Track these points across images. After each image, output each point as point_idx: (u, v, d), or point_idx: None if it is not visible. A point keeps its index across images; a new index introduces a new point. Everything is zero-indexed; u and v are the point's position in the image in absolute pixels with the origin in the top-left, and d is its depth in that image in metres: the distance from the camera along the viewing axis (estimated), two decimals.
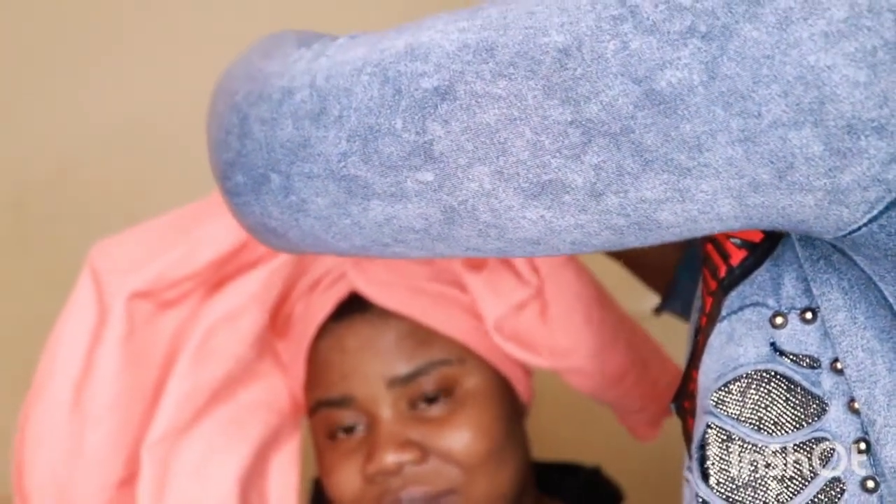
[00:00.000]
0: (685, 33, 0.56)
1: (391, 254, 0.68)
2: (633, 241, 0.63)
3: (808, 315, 0.65)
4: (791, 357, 0.65)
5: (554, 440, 1.28)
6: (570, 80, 0.58)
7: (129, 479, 0.91)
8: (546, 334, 0.97)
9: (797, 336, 0.65)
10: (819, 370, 0.65)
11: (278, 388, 1.00)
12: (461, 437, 0.96)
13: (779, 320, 0.66)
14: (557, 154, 0.59)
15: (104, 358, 0.89)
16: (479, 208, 0.62)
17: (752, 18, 0.55)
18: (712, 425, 0.67)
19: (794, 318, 0.66)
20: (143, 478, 0.90)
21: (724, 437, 0.67)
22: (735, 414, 0.67)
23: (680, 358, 0.81)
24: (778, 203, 0.58)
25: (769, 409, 0.66)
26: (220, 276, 0.93)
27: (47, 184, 1.50)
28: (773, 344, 0.66)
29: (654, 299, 1.09)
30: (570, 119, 0.59)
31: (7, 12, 1.48)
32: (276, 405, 0.99)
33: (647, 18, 0.57)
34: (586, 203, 0.60)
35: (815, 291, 0.65)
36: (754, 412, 0.66)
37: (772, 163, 0.57)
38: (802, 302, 0.66)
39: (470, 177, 0.62)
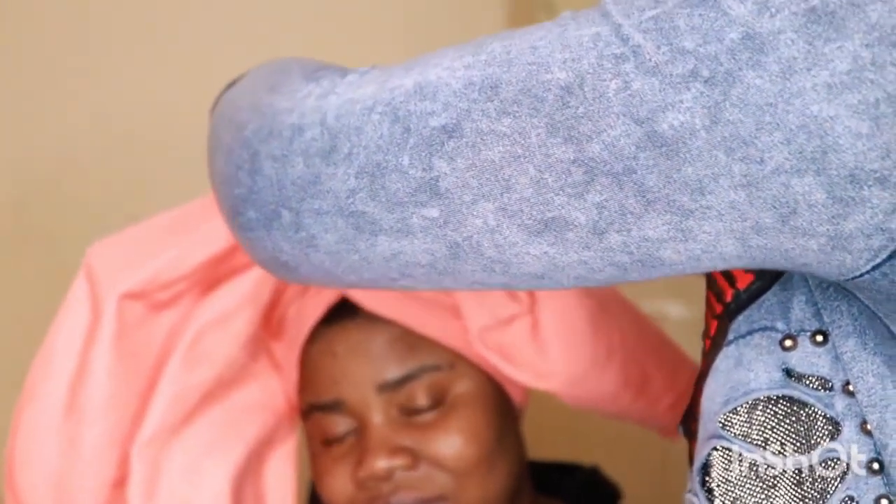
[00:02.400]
0: (688, 77, 0.56)
1: (399, 287, 0.69)
2: (636, 277, 0.63)
3: (819, 338, 0.65)
4: (804, 380, 0.65)
5: (552, 440, 1.28)
6: (573, 119, 0.59)
7: (123, 480, 0.91)
8: (532, 353, 0.97)
9: (809, 358, 0.65)
10: (832, 392, 0.64)
11: (273, 388, 1.00)
12: (452, 443, 0.96)
13: (788, 343, 0.66)
14: (560, 192, 0.60)
15: (97, 358, 0.90)
16: (484, 244, 0.63)
17: (756, 66, 0.55)
18: (719, 447, 0.67)
19: (804, 340, 0.65)
20: (134, 478, 0.90)
21: (731, 459, 0.67)
22: (743, 435, 0.66)
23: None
24: (781, 246, 0.58)
25: (779, 430, 0.65)
26: (213, 277, 0.93)
27: (47, 184, 1.50)
28: (785, 369, 0.65)
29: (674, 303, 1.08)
30: (572, 157, 0.59)
31: (7, 12, 1.48)
32: (272, 406, 0.99)
33: (650, 59, 0.57)
34: (589, 240, 0.61)
35: (825, 318, 0.65)
36: (763, 434, 0.66)
37: (775, 208, 0.57)
38: (813, 325, 0.65)
39: (475, 213, 0.62)
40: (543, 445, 1.15)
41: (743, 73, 0.56)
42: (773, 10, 0.55)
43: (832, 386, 0.64)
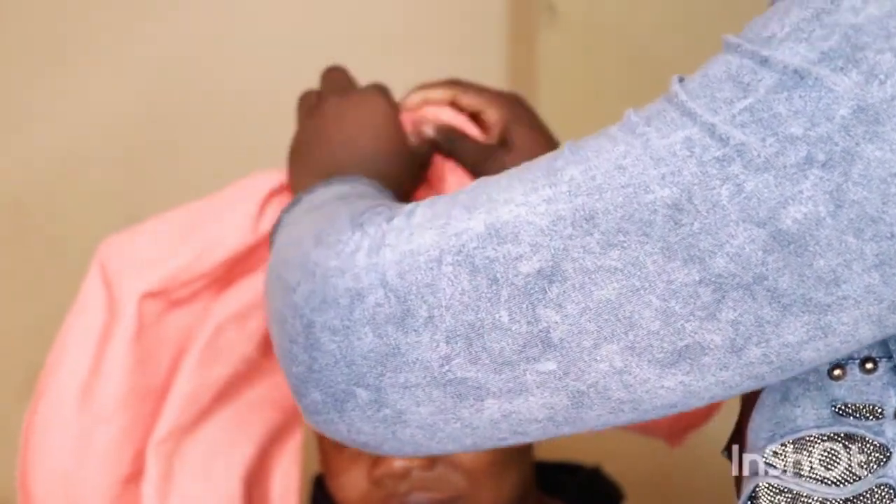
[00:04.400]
0: (803, 164, 0.54)
1: (505, 444, 0.64)
2: (771, 382, 0.60)
3: (869, 365, 0.62)
4: (853, 413, 0.62)
5: (554, 440, 1.28)
6: (689, 237, 0.55)
7: (135, 476, 0.91)
8: None
9: (858, 387, 0.62)
10: (882, 420, 0.62)
11: (282, 384, 1.00)
12: None
13: (837, 372, 0.63)
14: (691, 317, 0.56)
15: (113, 356, 0.89)
16: (612, 387, 0.59)
17: (874, 138, 0.53)
18: (765, 482, 0.64)
19: (853, 368, 0.63)
20: (149, 475, 0.90)
21: (779, 491, 0.64)
22: (790, 470, 0.64)
23: None
24: None
25: (830, 462, 0.63)
26: (230, 275, 0.93)
27: (47, 184, 1.50)
28: (833, 405, 0.63)
29: None
30: (697, 278, 0.56)
31: (7, 12, 1.48)
32: (280, 402, 0.99)
33: (758, 155, 0.54)
34: (727, 360, 0.57)
35: (891, 346, 0.61)
36: (811, 468, 0.63)
37: None
38: (861, 352, 0.62)
39: (598, 358, 0.58)
40: (545, 445, 1.15)
41: (861, 149, 0.53)
42: (881, 77, 0.53)
43: (882, 412, 0.62)
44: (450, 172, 0.94)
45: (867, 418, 0.62)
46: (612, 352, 0.58)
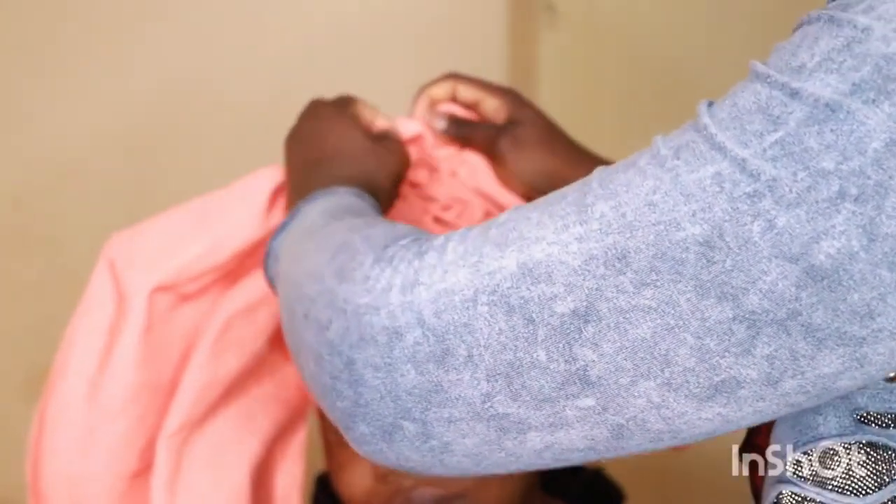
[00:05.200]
0: (835, 199, 0.53)
1: (549, 468, 0.65)
2: (808, 406, 0.60)
3: (892, 374, 0.61)
4: (876, 421, 0.62)
5: None
6: (722, 274, 0.55)
7: (142, 471, 0.92)
8: None
9: (881, 395, 0.62)
10: None
11: (288, 380, 1.00)
12: None
13: None
14: (726, 353, 0.56)
15: (123, 352, 0.89)
16: (650, 420, 0.59)
17: None
18: (788, 490, 0.64)
19: None
20: (158, 468, 0.90)
21: (802, 499, 0.64)
22: (813, 478, 0.63)
23: None
24: None
25: (852, 472, 0.63)
26: (239, 269, 0.93)
27: (47, 184, 1.50)
28: (855, 413, 0.62)
29: None
30: (731, 315, 0.55)
31: (7, 12, 1.48)
32: (285, 398, 0.99)
33: (789, 191, 0.53)
34: (763, 392, 0.57)
35: None
36: (834, 476, 0.63)
37: None
38: None
39: (636, 394, 0.58)
40: None
41: (894, 182, 0.52)
42: None
43: None
44: (460, 164, 0.95)
45: (890, 427, 0.62)
46: (649, 388, 0.58)
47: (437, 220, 0.94)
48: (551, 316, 0.58)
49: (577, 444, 0.61)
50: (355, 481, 0.97)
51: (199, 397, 0.91)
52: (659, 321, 0.56)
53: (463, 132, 0.96)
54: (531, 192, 0.94)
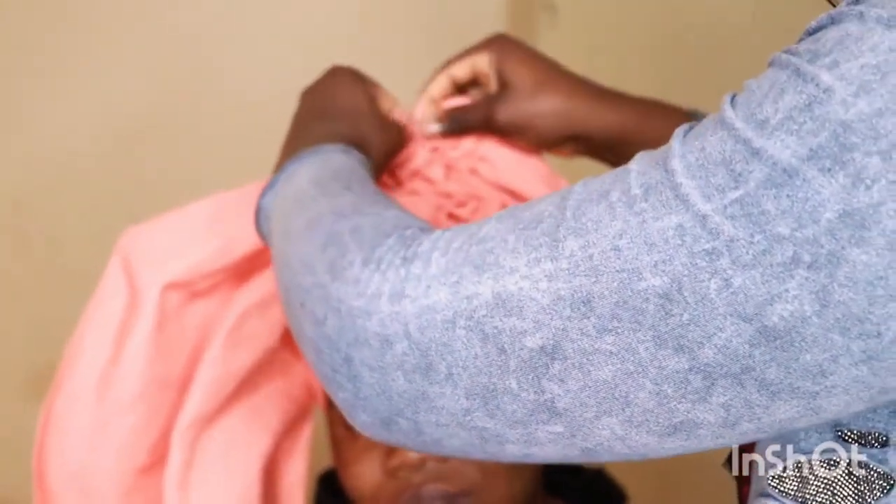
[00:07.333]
0: (789, 265, 0.54)
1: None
2: (769, 439, 0.63)
3: None
4: (857, 438, 0.63)
5: None
6: (679, 327, 0.56)
7: (151, 467, 0.92)
8: None
9: (864, 414, 0.62)
10: (887, 448, 0.62)
11: (295, 376, 1.00)
12: None
13: None
14: (683, 399, 0.58)
15: (134, 347, 0.90)
16: (616, 447, 0.62)
17: (860, 243, 0.52)
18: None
19: None
20: (172, 462, 0.90)
21: None
22: (793, 494, 0.64)
23: None
24: None
25: (831, 490, 0.63)
26: (251, 267, 0.93)
27: (47, 184, 1.50)
28: (838, 431, 0.63)
29: None
30: (687, 367, 0.57)
31: (7, 12, 1.48)
32: (292, 394, 1.00)
33: (747, 252, 0.54)
34: (722, 432, 0.59)
35: None
36: (815, 493, 0.64)
37: None
38: None
39: (599, 426, 0.60)
40: None
41: (847, 252, 0.53)
42: (867, 182, 0.52)
43: (887, 440, 0.62)
44: (479, 161, 0.96)
45: (872, 446, 0.62)
46: (612, 423, 0.60)
47: (452, 216, 0.94)
48: (521, 349, 0.60)
49: (552, 457, 0.64)
50: (364, 477, 0.97)
51: (213, 391, 0.91)
52: (619, 366, 0.58)
53: (457, 122, 0.96)
54: (562, 143, 0.95)
